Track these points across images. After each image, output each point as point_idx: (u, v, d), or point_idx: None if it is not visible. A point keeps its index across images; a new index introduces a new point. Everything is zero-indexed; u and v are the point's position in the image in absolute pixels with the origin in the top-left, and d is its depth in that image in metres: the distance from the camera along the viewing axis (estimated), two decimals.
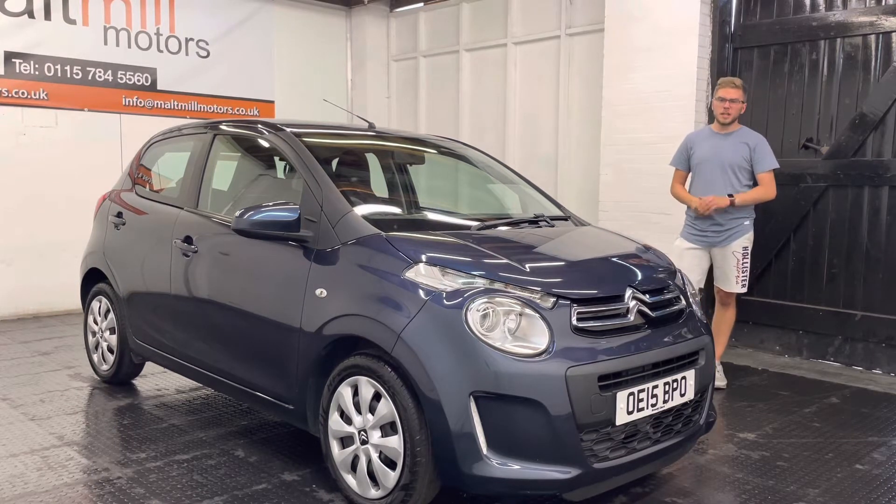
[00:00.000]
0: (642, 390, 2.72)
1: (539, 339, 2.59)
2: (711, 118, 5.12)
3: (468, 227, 3.42)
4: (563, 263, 3.06)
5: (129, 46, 7.21)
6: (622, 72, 6.06)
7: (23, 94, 6.62)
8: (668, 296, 3.07)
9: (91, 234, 4.84)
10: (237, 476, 3.28)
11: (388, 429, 2.76)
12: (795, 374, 5.25)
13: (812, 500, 3.16)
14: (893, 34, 5.12)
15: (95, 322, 4.71)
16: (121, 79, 7.16)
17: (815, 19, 5.45)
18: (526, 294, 2.69)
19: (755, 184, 4.61)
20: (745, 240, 4.64)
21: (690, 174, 4.81)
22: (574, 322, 2.67)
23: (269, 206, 3.15)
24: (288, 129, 3.62)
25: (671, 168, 4.91)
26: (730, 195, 4.53)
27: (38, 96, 6.70)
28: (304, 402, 3.10)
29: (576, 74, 6.93)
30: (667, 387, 2.82)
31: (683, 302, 3.14)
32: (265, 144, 3.83)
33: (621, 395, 2.65)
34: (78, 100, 6.92)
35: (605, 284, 2.90)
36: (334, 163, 3.70)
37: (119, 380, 4.64)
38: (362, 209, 3.21)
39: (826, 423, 4.17)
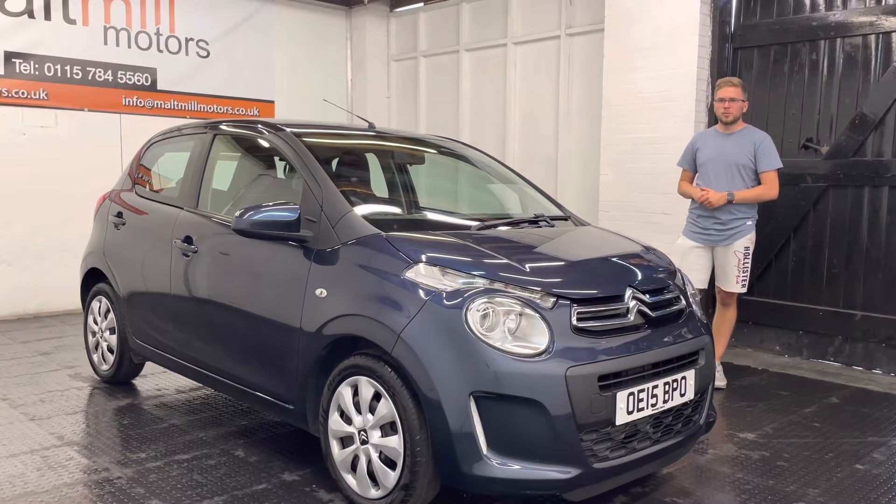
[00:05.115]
0: (642, 390, 2.72)
1: (539, 339, 2.59)
2: (713, 119, 5.12)
3: (468, 227, 3.42)
4: (563, 263, 3.06)
5: (129, 46, 7.21)
6: (622, 72, 6.06)
7: (23, 94, 6.62)
8: (668, 296, 3.07)
9: (91, 234, 4.84)
10: (237, 476, 3.28)
11: (388, 429, 2.76)
12: (795, 374, 5.24)
13: (812, 500, 3.16)
14: (893, 34, 5.12)
15: (95, 322, 4.71)
16: (121, 79, 7.16)
17: (815, 19, 5.45)
18: (526, 294, 2.69)
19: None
20: (747, 240, 4.65)
21: (697, 174, 4.82)
22: (574, 322, 2.67)
23: (268, 206, 3.15)
24: (288, 129, 3.62)
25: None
26: (728, 192, 4.53)
27: (38, 96, 6.70)
28: (304, 401, 3.10)
29: (576, 74, 6.93)
30: (667, 387, 2.82)
31: (683, 302, 3.14)
32: (265, 144, 3.83)
33: (621, 395, 2.65)
34: (78, 100, 6.92)
35: (605, 284, 2.90)
36: (334, 163, 3.70)
37: (119, 380, 4.64)
38: (362, 209, 3.21)
39: (826, 423, 4.17)
